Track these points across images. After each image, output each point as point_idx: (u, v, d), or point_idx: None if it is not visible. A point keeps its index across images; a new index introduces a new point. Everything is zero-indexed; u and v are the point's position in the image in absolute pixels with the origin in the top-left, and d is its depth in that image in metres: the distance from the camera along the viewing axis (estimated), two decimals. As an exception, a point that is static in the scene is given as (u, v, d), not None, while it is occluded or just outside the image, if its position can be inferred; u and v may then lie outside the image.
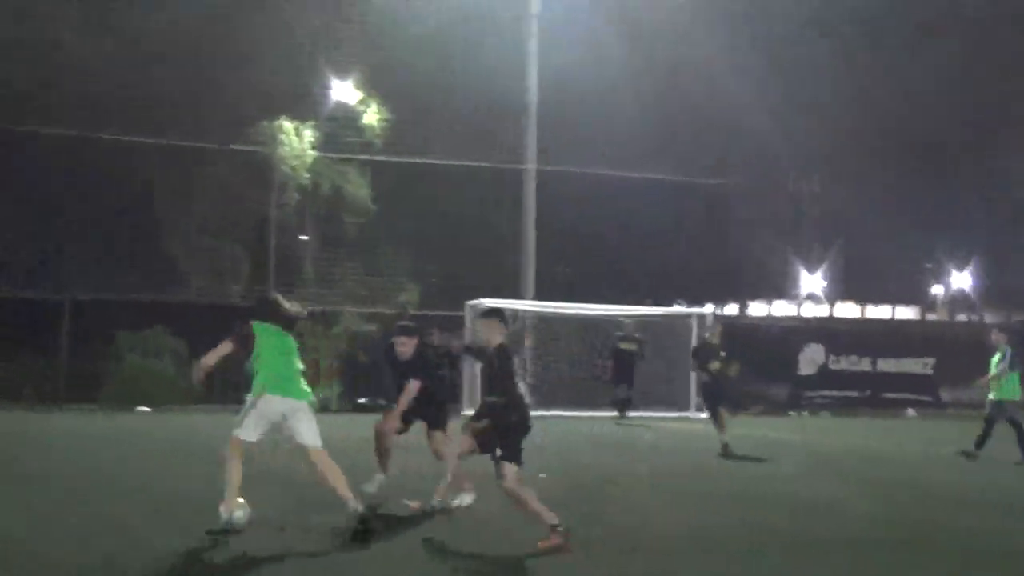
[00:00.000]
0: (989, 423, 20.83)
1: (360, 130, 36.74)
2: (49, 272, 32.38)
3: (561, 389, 33.46)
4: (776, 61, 39.18)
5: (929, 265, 56.82)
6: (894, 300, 50.66)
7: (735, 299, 49.54)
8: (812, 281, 44.19)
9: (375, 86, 36.60)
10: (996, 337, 21.77)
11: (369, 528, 10.71)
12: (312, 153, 36.47)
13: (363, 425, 26.26)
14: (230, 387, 34.99)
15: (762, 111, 38.62)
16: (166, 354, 35.33)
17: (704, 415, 33.09)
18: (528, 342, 35.26)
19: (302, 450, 11.03)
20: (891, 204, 42.89)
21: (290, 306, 11.44)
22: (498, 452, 10.67)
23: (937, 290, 59.35)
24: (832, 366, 37.95)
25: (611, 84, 36.67)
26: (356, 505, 10.95)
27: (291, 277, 36.86)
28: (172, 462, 17.01)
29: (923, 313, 54.56)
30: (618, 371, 31.51)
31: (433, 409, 13.66)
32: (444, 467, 12.67)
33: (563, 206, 38.47)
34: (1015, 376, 21.02)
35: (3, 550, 9.73)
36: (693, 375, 30.22)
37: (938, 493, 15.50)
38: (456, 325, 34.28)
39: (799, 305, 46.50)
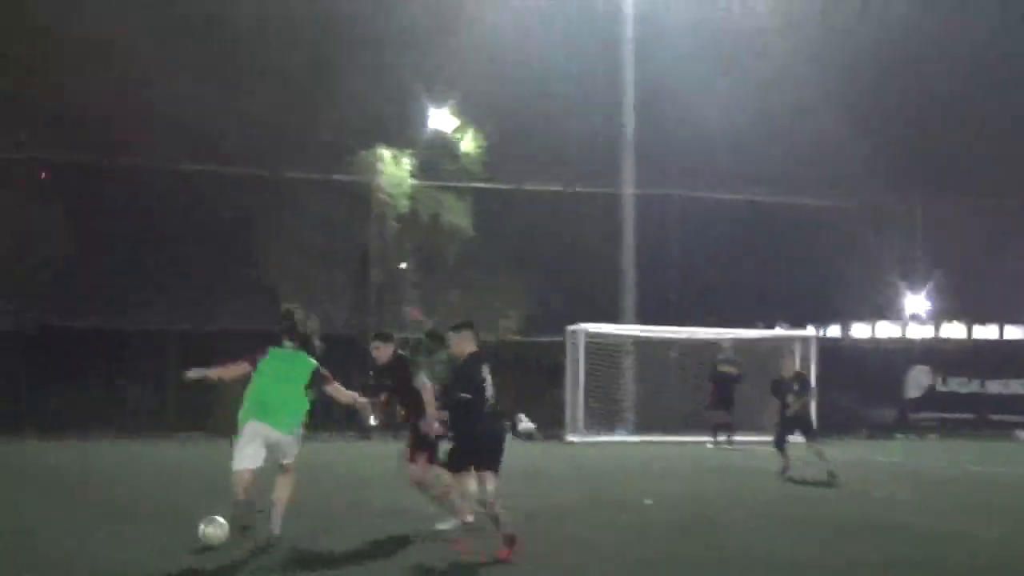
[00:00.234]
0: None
1: (457, 157, 36.81)
2: (157, 304, 32.78)
3: (663, 414, 33.23)
4: (877, 77, 38.74)
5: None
6: (1002, 320, 49.68)
7: (837, 321, 49.00)
8: (916, 301, 43.51)
9: (472, 113, 36.66)
10: None
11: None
12: (410, 181, 36.58)
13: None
14: (341, 416, 35.44)
15: (865, 128, 38.17)
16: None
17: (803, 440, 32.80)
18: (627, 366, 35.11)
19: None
20: (999, 221, 42.14)
21: (310, 323, 11.83)
22: (443, 458, 11.50)
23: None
24: (939, 388, 37.25)
25: (708, 106, 36.45)
26: (276, 530, 11.45)
27: (392, 305, 36.98)
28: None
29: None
30: (718, 395, 31.10)
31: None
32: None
33: (663, 229, 38.25)
34: None
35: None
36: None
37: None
38: (558, 351, 34.24)
39: (904, 326, 45.79)
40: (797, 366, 22.77)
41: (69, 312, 31.98)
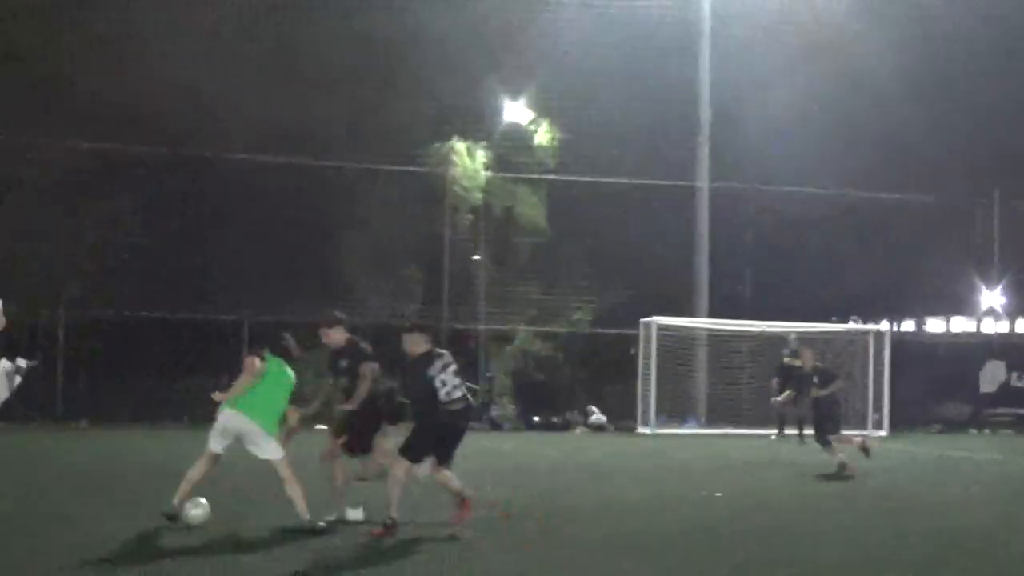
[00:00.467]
0: None
1: (532, 150, 36.92)
2: (228, 294, 33.21)
3: (734, 407, 33.32)
4: (957, 70, 38.40)
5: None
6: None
7: (912, 315, 48.68)
8: (992, 296, 43.13)
9: (547, 105, 36.74)
10: None
11: (317, 532, 11.58)
12: (484, 174, 36.76)
13: (540, 443, 26.54)
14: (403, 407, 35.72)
15: (943, 122, 37.85)
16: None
17: (881, 433, 32.75)
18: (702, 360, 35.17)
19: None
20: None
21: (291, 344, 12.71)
22: (400, 444, 11.77)
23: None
24: (1014, 383, 36.95)
25: (784, 100, 36.27)
26: (307, 516, 11.80)
27: (465, 297, 37.24)
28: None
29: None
30: (782, 388, 30.87)
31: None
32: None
33: (737, 223, 38.20)
34: None
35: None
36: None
37: None
38: (630, 344, 34.41)
39: (978, 321, 45.43)
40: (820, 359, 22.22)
41: (141, 303, 32.52)
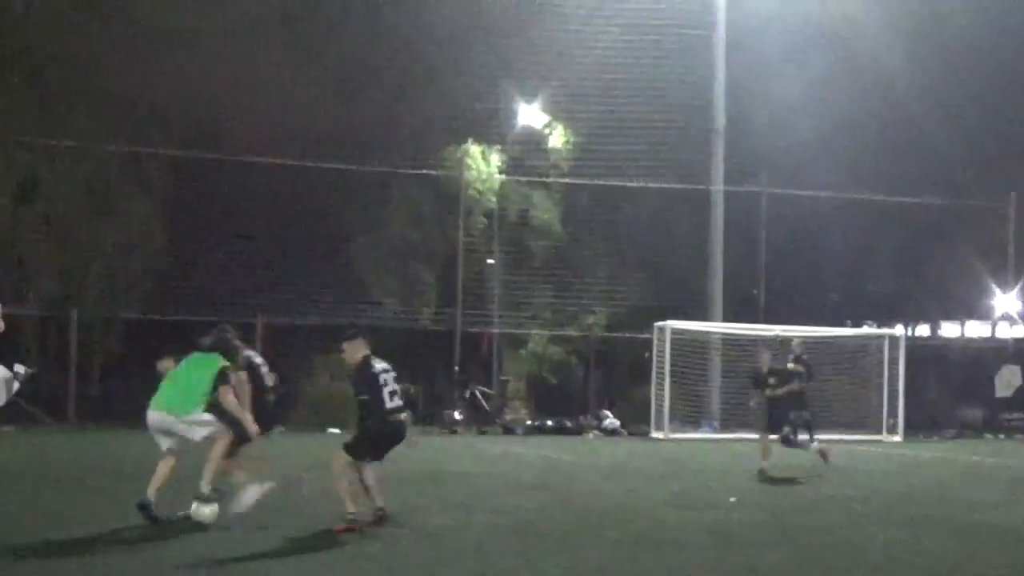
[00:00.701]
0: None
1: (546, 153, 36.91)
2: (243, 296, 33.22)
3: (749, 411, 33.18)
4: (971, 73, 38.26)
5: None
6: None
7: (927, 320, 48.52)
8: (1007, 301, 42.97)
9: (561, 108, 36.72)
10: None
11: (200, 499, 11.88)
12: (499, 177, 36.77)
13: (553, 447, 26.49)
14: (415, 411, 35.70)
15: (958, 126, 37.73)
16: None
17: (896, 438, 32.65)
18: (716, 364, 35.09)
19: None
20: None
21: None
22: (346, 441, 12.17)
23: None
24: (1029, 387, 36.80)
25: (799, 104, 36.23)
26: (208, 490, 12.02)
27: (479, 300, 37.22)
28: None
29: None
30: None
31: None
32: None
33: (752, 227, 38.08)
34: None
35: None
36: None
37: None
38: (644, 347, 34.35)
39: (993, 325, 45.26)
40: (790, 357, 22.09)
41: (156, 305, 32.58)
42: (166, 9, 33.39)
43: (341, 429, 32.24)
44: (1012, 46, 37.69)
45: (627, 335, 36.11)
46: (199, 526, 11.97)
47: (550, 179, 36.77)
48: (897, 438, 32.83)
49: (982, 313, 45.13)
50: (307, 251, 35.28)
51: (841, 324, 36.38)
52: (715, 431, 33.76)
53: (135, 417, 27.97)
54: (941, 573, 10.23)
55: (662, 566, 10.27)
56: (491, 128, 36.81)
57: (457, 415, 33.95)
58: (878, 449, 29.37)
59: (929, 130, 37.20)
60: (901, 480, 19.81)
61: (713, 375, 34.98)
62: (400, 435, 12.33)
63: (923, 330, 48.72)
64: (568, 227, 36.93)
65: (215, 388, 12.35)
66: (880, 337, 34.73)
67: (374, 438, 12.21)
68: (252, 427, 12.66)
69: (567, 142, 36.73)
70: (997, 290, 42.10)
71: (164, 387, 12.54)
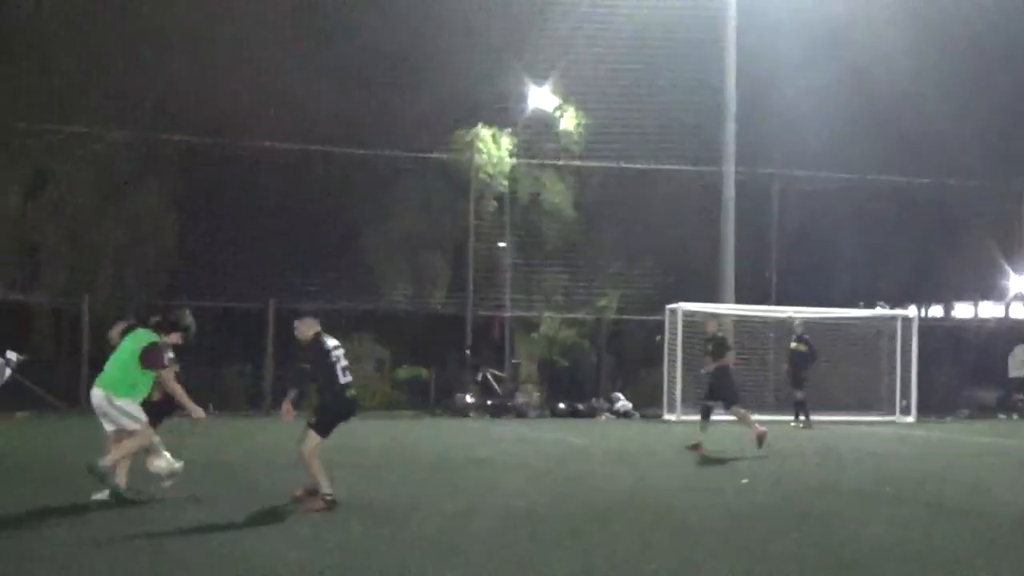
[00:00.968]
0: None
1: (558, 136, 36.80)
2: (255, 282, 33.25)
3: (761, 393, 33.16)
4: (983, 55, 38.02)
5: None
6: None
7: (940, 301, 48.36)
8: (1020, 281, 42.83)
9: (572, 91, 36.59)
10: None
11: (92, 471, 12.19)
12: (510, 160, 36.69)
13: (565, 430, 26.48)
14: (430, 394, 35.78)
15: (969, 106, 37.49)
16: (370, 362, 36.12)
17: (909, 419, 32.59)
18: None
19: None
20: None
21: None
22: (311, 420, 12.45)
23: None
24: (1043, 367, 36.65)
25: (811, 85, 36.02)
26: (113, 482, 12.32)
27: (491, 284, 37.18)
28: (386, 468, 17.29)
29: None
30: (791, 373, 30.61)
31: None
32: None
33: (764, 209, 37.98)
34: None
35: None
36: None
37: None
38: (656, 330, 34.30)
39: (1007, 306, 45.15)
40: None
41: (167, 291, 32.59)
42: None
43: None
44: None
45: (639, 318, 36.04)
46: (204, 507, 12.16)
47: (561, 162, 36.67)
48: (910, 419, 32.77)
49: (996, 294, 44.99)
50: (318, 238, 35.21)
51: (854, 306, 36.24)
52: (727, 413, 33.65)
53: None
54: (954, 556, 10.18)
55: (674, 551, 10.27)
56: (501, 111, 36.68)
57: (469, 399, 33.94)
58: (891, 430, 29.31)
59: (944, 110, 36.97)
60: (914, 462, 19.78)
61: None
62: (353, 409, 12.82)
63: (936, 311, 48.61)
64: (580, 210, 36.84)
65: (143, 365, 12.59)
66: (893, 318, 34.61)
67: (333, 412, 12.56)
68: (197, 411, 13.02)
69: (579, 125, 36.61)
70: (1010, 270, 41.99)
71: (107, 364, 12.80)
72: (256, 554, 9.81)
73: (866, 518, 12.33)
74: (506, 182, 36.62)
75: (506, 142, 36.60)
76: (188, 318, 13.28)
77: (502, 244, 37.45)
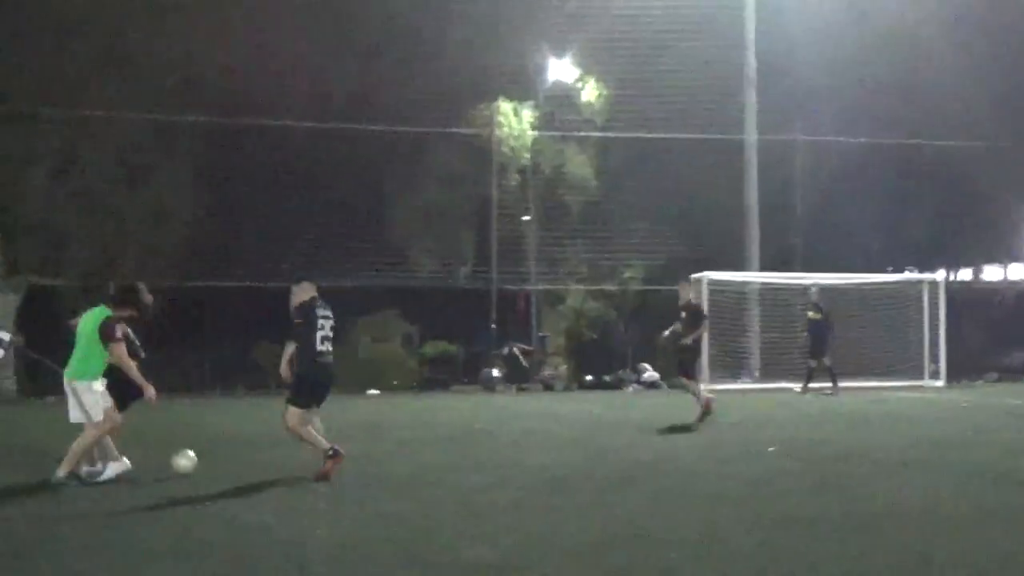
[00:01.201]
0: None
1: (579, 108, 36.67)
2: (278, 260, 33.32)
3: (787, 361, 33.02)
4: (1007, 13, 37.60)
5: None
6: None
7: (969, 264, 48.03)
8: (1051, 243, 42.51)
9: (593, 62, 36.44)
10: None
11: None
12: (531, 133, 36.60)
13: (592, 402, 26.41)
14: (457, 370, 35.82)
15: (995, 66, 37.12)
16: (398, 338, 36.17)
17: (938, 383, 32.42)
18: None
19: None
20: None
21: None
22: (288, 397, 12.78)
23: None
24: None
25: (832, 48, 35.76)
26: (63, 476, 12.40)
27: (515, 258, 37.14)
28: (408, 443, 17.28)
29: None
30: (809, 341, 30.43)
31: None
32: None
33: (787, 175, 37.77)
34: None
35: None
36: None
37: None
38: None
39: (1036, 268, 44.90)
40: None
41: (191, 273, 32.66)
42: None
43: (380, 390, 32.46)
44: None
45: (665, 287, 35.85)
46: (228, 484, 12.15)
47: (583, 134, 36.53)
48: (939, 383, 32.60)
49: (1025, 255, 44.72)
50: (342, 214, 35.22)
51: (882, 270, 36.04)
52: (754, 381, 33.62)
53: (174, 385, 28.32)
54: (984, 521, 10.08)
55: (698, 519, 10.20)
56: (522, 84, 36.57)
57: (495, 373, 33.95)
58: (919, 395, 29.18)
59: (968, 70, 36.63)
60: (942, 426, 19.61)
61: (751, 325, 34.81)
62: (329, 377, 13.02)
63: (965, 274, 48.32)
64: (603, 181, 36.69)
65: (103, 342, 12.56)
66: (921, 283, 34.39)
67: (308, 381, 12.83)
68: (149, 390, 12.83)
69: (600, 96, 36.47)
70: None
71: (73, 352, 12.85)
72: (278, 529, 9.81)
73: (890, 483, 12.25)
74: (528, 155, 36.53)
75: (528, 115, 36.51)
76: (144, 293, 13.18)
77: (526, 217, 37.38)
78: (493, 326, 35.97)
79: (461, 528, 9.80)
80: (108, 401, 12.64)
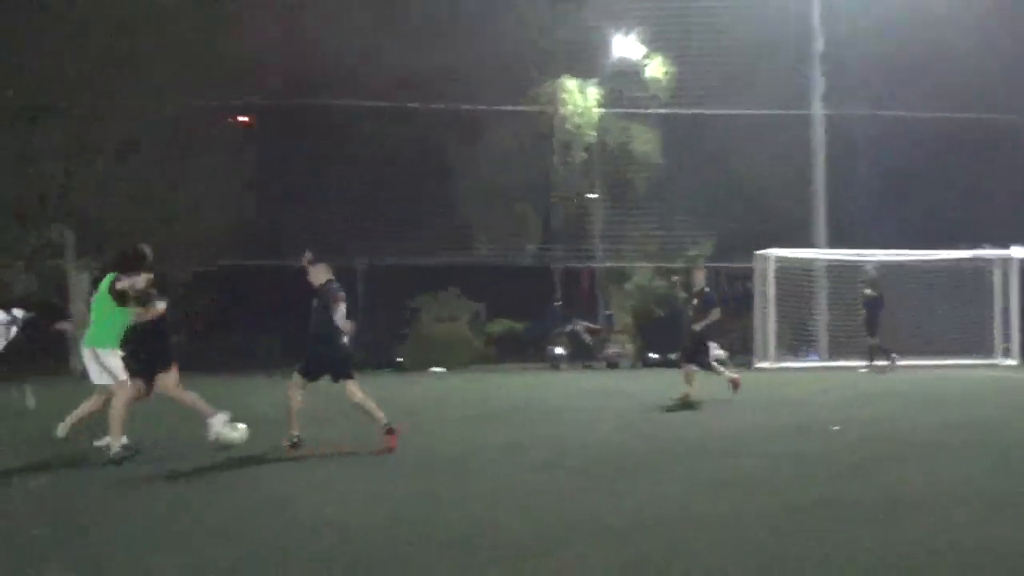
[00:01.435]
0: None
1: (644, 84, 36.36)
2: (343, 239, 33.40)
3: (855, 339, 32.57)
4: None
5: None
6: None
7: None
8: None
9: (657, 38, 36.12)
10: None
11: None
12: (597, 111, 36.38)
13: (656, 380, 26.23)
14: (523, 348, 35.76)
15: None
16: (463, 316, 36.18)
17: (1011, 362, 31.88)
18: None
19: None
20: None
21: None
22: (299, 365, 13.45)
23: None
24: None
25: (901, 21, 35.17)
26: (113, 443, 12.55)
27: (581, 235, 36.98)
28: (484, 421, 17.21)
29: None
30: (865, 319, 30.00)
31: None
32: None
33: (856, 150, 37.21)
34: None
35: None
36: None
37: None
38: (747, 277, 33.89)
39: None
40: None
41: (262, 251, 32.80)
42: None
43: (446, 368, 32.46)
44: None
45: (731, 265, 35.53)
46: (268, 460, 12.31)
47: (649, 110, 36.24)
48: (1012, 362, 32.08)
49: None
50: (406, 192, 35.21)
51: (956, 246, 35.41)
52: (822, 360, 33.26)
53: (235, 365, 28.52)
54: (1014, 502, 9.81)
55: (725, 497, 10.07)
56: (586, 62, 36.31)
57: (559, 351, 33.84)
58: (992, 373, 28.70)
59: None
60: (1013, 406, 19.21)
61: (818, 303, 34.43)
62: (341, 356, 13.43)
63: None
64: (669, 157, 36.37)
65: (113, 299, 12.83)
66: (994, 259, 33.81)
67: (322, 359, 13.36)
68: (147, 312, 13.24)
69: (666, 72, 36.15)
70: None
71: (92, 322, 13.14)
72: (323, 508, 9.80)
73: (952, 467, 11.90)
74: (594, 132, 36.31)
75: (593, 92, 36.29)
76: (149, 255, 13.47)
77: (592, 195, 37.19)
78: (558, 304, 35.84)
79: (504, 508, 9.73)
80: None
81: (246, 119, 36.53)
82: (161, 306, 13.55)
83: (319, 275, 13.62)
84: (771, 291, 32.08)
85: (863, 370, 29.02)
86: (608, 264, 37.00)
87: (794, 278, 33.16)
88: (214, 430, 13.54)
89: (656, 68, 36.29)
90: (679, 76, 35.91)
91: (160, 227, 30.65)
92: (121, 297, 12.82)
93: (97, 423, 13.44)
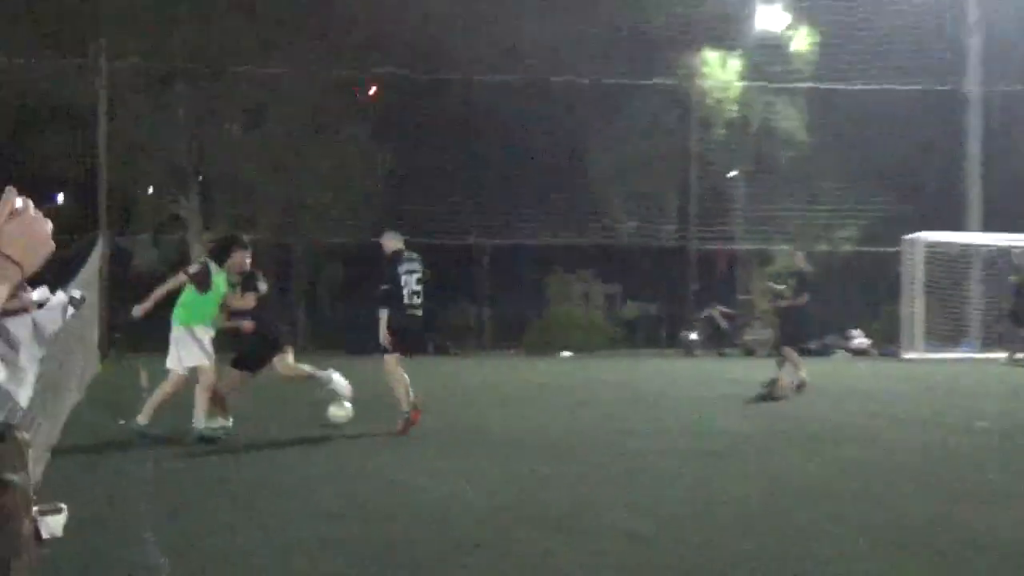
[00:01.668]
0: None
1: (789, 57, 34.82)
2: (474, 220, 32.68)
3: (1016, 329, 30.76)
4: None
5: None
6: None
7: None
8: None
9: (803, 8, 34.61)
10: None
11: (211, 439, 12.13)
12: (738, 84, 34.96)
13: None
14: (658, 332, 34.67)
15: None
16: (597, 298, 35.21)
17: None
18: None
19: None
20: None
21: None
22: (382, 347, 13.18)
23: None
24: None
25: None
26: (200, 425, 12.28)
27: (720, 215, 35.63)
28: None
29: None
30: (1014, 307, 28.19)
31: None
32: None
33: (1013, 127, 35.26)
34: None
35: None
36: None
37: None
38: (895, 262, 32.35)
39: None
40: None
41: (386, 229, 32.08)
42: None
43: (574, 352, 31.42)
44: None
45: (878, 249, 33.87)
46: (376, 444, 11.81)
47: (794, 84, 34.65)
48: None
49: None
50: (538, 170, 34.23)
51: None
52: (974, 350, 31.42)
53: (360, 343, 27.99)
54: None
55: (868, 491, 9.51)
56: (727, 33, 34.90)
57: (694, 336, 32.62)
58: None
59: None
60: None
61: (972, 290, 32.66)
62: (418, 327, 13.56)
63: None
64: (814, 135, 34.76)
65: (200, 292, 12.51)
66: None
67: (400, 331, 13.12)
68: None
69: (812, 45, 34.55)
70: None
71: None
72: (431, 489, 9.65)
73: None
74: (735, 107, 34.92)
75: (735, 65, 34.87)
76: (241, 239, 13.19)
77: (732, 173, 35.85)
78: (695, 287, 34.64)
79: (617, 495, 9.41)
80: (207, 359, 12.49)
81: (372, 92, 35.84)
82: (263, 287, 13.13)
83: (387, 243, 13.54)
84: (919, 277, 30.49)
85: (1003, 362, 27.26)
86: (747, 246, 35.63)
87: (947, 264, 31.51)
88: (329, 386, 13.29)
89: (801, 40, 34.70)
90: (825, 49, 34.24)
91: (288, 200, 30.33)
92: (200, 283, 12.51)
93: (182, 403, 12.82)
